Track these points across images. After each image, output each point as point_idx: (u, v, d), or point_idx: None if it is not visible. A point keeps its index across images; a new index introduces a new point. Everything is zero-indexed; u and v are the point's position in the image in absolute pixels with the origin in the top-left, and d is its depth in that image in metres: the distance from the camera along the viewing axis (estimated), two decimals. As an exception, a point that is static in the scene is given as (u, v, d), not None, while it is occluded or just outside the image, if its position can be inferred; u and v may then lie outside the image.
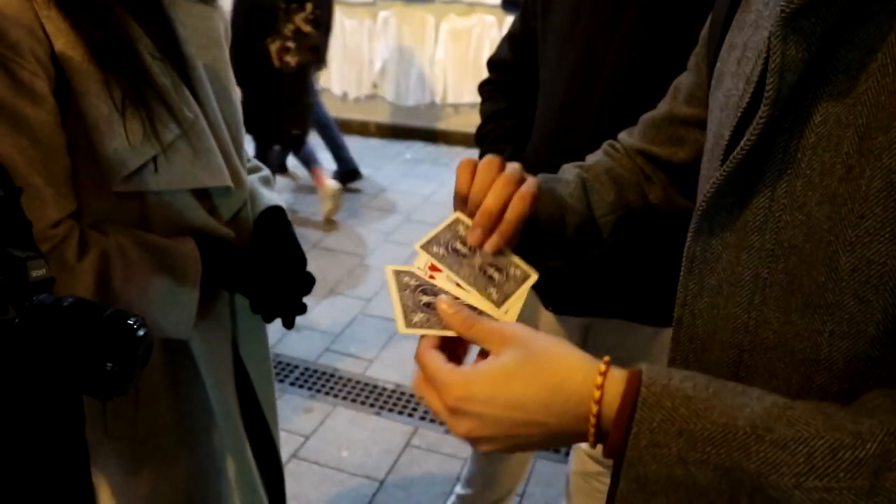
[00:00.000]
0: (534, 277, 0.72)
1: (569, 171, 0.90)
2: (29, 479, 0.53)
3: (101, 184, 0.93)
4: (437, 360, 0.60)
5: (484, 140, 1.56)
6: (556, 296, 1.49)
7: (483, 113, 1.60)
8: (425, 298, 0.67)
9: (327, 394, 2.68)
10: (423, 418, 2.55)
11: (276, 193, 1.24)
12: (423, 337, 0.64)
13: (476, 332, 0.61)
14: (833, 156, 0.53)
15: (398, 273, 0.69)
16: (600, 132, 1.31)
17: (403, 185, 4.81)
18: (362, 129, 5.84)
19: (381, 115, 5.78)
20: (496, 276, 0.71)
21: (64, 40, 0.87)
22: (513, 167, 0.76)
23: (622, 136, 0.96)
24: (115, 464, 1.12)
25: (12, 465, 0.53)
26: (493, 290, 0.69)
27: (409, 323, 0.65)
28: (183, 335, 1.04)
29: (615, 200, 0.87)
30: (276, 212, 1.18)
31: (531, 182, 0.75)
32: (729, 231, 0.61)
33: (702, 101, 0.81)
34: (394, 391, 2.69)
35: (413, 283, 0.68)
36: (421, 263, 0.65)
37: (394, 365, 2.85)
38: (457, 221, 0.73)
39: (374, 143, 5.69)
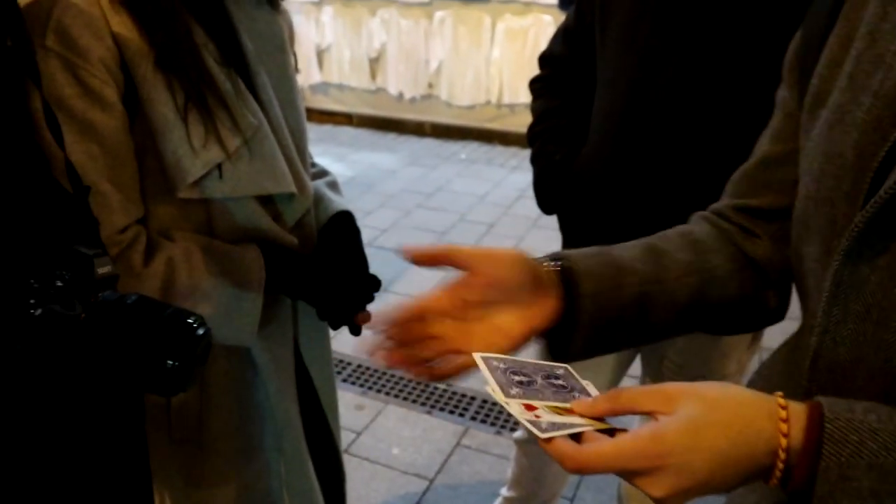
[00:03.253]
0: (567, 366, 0.70)
1: (632, 243, 0.82)
2: (90, 474, 0.54)
3: (167, 190, 0.94)
4: (606, 444, 0.57)
5: (536, 139, 1.54)
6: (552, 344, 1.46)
7: (534, 111, 1.57)
8: (516, 378, 0.67)
9: (379, 391, 2.70)
10: (473, 418, 2.55)
11: (343, 198, 1.23)
12: (550, 442, 0.58)
13: (626, 400, 0.59)
14: None
15: (486, 359, 0.69)
16: (666, 134, 1.29)
17: (458, 185, 4.82)
18: (417, 129, 5.88)
19: (437, 115, 5.80)
20: (562, 382, 0.69)
21: (133, 48, 0.88)
22: None
23: (712, 206, 0.89)
24: (177, 468, 1.13)
25: (74, 458, 0.54)
26: (576, 394, 0.68)
27: (507, 395, 0.64)
28: (246, 342, 1.04)
29: (692, 261, 0.79)
30: (345, 217, 1.18)
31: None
32: (881, 254, 0.58)
33: (791, 135, 0.76)
34: (445, 391, 2.70)
35: (501, 366, 0.68)
36: (516, 410, 0.63)
37: (445, 364, 2.85)
38: (488, 360, 0.70)
39: (429, 142, 5.71)
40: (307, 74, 5.90)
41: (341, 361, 2.86)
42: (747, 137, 1.22)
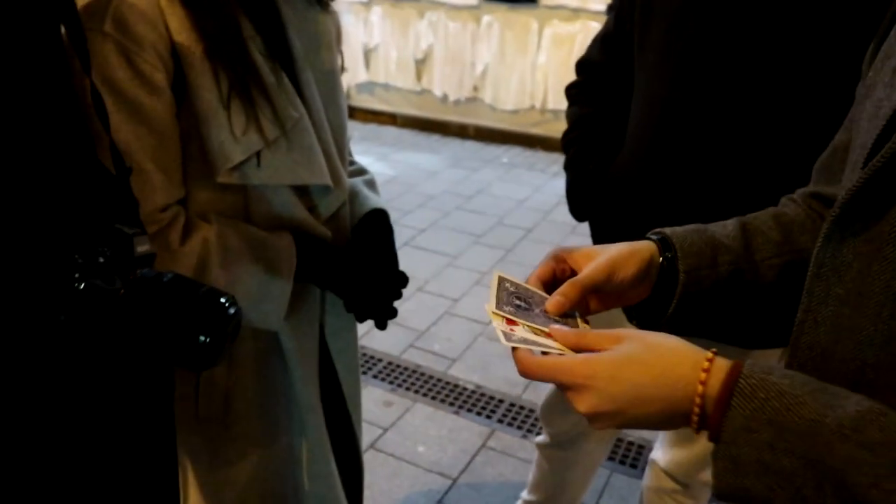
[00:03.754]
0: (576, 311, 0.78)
1: (729, 220, 0.88)
2: (118, 444, 0.57)
3: (207, 175, 0.98)
4: (548, 359, 0.65)
5: (570, 146, 1.54)
6: (640, 308, 1.46)
7: (569, 117, 1.57)
8: (517, 301, 0.75)
9: (408, 389, 2.72)
10: (500, 421, 2.56)
11: (380, 197, 1.26)
12: (515, 350, 0.67)
13: (590, 339, 0.66)
14: None
15: (502, 280, 0.77)
16: (701, 143, 1.28)
17: (498, 189, 4.82)
18: (461, 132, 5.90)
19: (480, 118, 5.81)
20: (558, 316, 0.76)
21: (184, 36, 0.93)
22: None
23: (801, 189, 0.92)
24: (201, 446, 1.16)
25: (105, 427, 0.57)
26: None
27: (498, 307, 0.72)
28: (273, 326, 1.08)
29: (781, 242, 0.84)
30: (379, 215, 1.21)
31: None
32: (862, 240, 0.60)
33: None
34: (473, 392, 2.71)
35: (511, 289, 0.76)
36: (498, 322, 0.70)
37: (476, 366, 2.87)
38: (502, 281, 0.77)
39: (472, 145, 5.73)
40: (353, 73, 5.97)
41: (372, 358, 2.89)
42: (783, 145, 1.22)
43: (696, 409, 0.59)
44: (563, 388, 0.63)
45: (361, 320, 1.15)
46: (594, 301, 0.80)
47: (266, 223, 1.04)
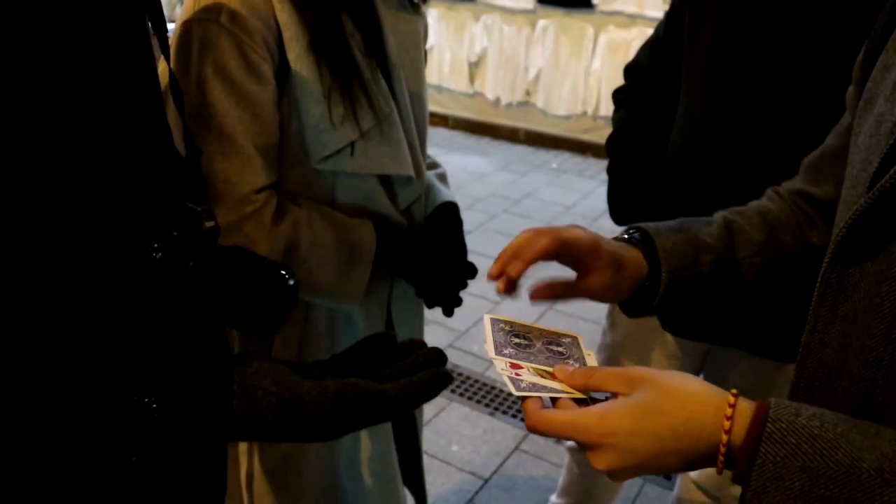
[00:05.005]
0: (578, 336, 0.77)
1: (716, 214, 0.90)
2: (180, 412, 0.60)
3: (301, 161, 1.04)
4: (559, 414, 0.62)
5: (613, 150, 1.55)
6: (674, 317, 1.46)
7: (614, 122, 1.58)
8: (515, 340, 0.74)
9: (445, 388, 2.74)
10: (535, 425, 2.56)
11: (451, 190, 1.32)
12: (525, 401, 0.65)
13: (598, 380, 0.64)
14: None
15: (495, 321, 0.77)
16: (745, 152, 1.28)
17: (546, 194, 4.81)
18: (511, 136, 5.90)
19: (532, 123, 5.81)
20: (561, 349, 0.75)
21: (292, 31, 0.99)
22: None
23: (785, 182, 0.94)
24: None
25: (170, 392, 0.60)
26: (571, 362, 0.73)
27: (496, 352, 0.71)
28: (349, 308, 1.13)
29: (763, 242, 0.85)
30: (450, 207, 1.26)
31: (569, 228, 0.79)
32: (870, 259, 0.59)
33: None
34: (510, 394, 2.72)
35: (507, 329, 0.76)
36: (500, 366, 0.69)
37: (513, 369, 2.87)
38: (495, 322, 0.77)
39: (522, 149, 5.72)
40: (408, 74, 6.02)
41: (411, 355, 2.92)
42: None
43: (722, 458, 0.57)
44: (581, 446, 0.61)
45: (431, 306, 1.20)
46: (561, 287, 0.81)
47: (350, 209, 1.10)
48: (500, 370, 0.68)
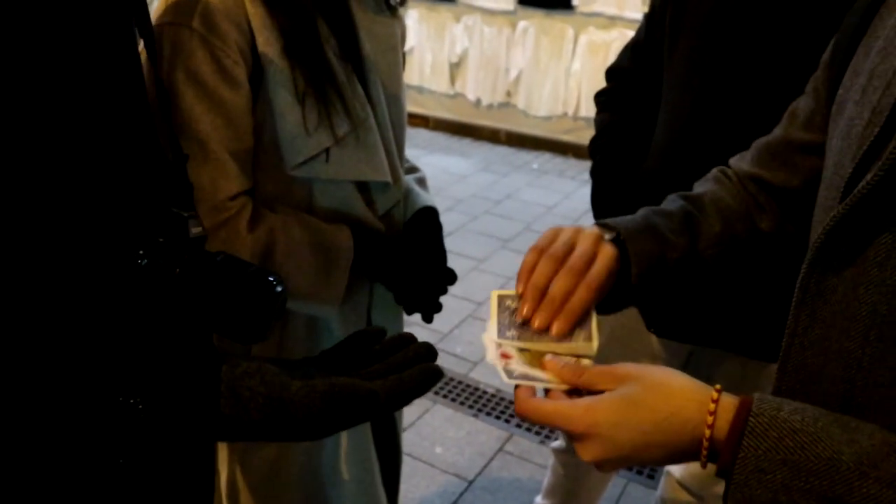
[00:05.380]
0: (592, 350, 0.73)
1: (673, 202, 0.90)
2: (164, 416, 0.59)
3: (276, 167, 1.02)
4: (548, 403, 0.64)
5: (596, 153, 1.55)
6: (659, 318, 1.47)
7: (597, 124, 1.59)
8: (520, 319, 0.72)
9: (428, 390, 2.74)
10: (519, 425, 2.56)
11: (430, 195, 1.31)
12: (517, 388, 0.66)
13: (588, 378, 0.64)
14: None
15: (502, 298, 0.75)
16: (721, 155, 1.29)
17: (527, 195, 4.82)
18: (492, 137, 5.91)
19: (513, 124, 5.82)
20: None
21: (265, 35, 0.97)
22: (580, 253, 0.76)
23: (734, 160, 0.95)
24: None
25: (155, 397, 0.59)
26: (571, 342, 0.72)
27: (500, 335, 0.70)
28: (328, 314, 1.12)
29: (721, 232, 0.86)
30: (430, 212, 1.25)
31: (598, 270, 0.76)
32: (847, 264, 0.60)
33: (821, 127, 0.80)
34: (493, 395, 2.72)
35: (513, 305, 0.74)
36: (492, 354, 0.69)
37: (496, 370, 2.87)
38: (502, 300, 0.75)
39: (503, 150, 5.73)
40: (388, 75, 6.01)
41: (394, 357, 2.91)
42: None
43: (705, 452, 0.58)
44: (567, 436, 0.62)
45: (410, 313, 1.19)
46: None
47: (327, 215, 1.08)
48: (492, 359, 0.68)
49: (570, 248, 0.77)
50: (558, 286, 0.74)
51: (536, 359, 0.69)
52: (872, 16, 0.69)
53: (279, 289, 0.71)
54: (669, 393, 0.60)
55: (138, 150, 0.64)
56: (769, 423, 0.55)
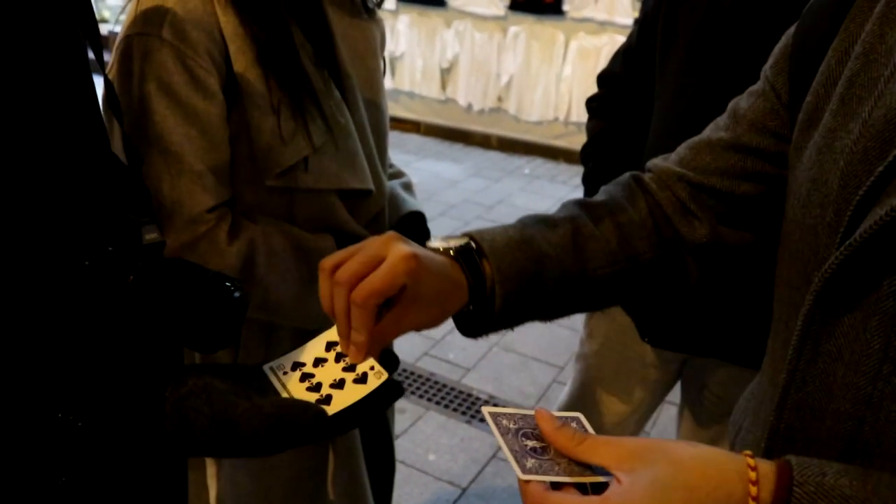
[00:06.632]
0: (580, 415, 0.68)
1: (568, 210, 0.81)
2: (130, 434, 0.58)
3: (255, 178, 1.00)
4: (569, 498, 0.56)
5: (588, 159, 1.55)
6: (652, 328, 1.46)
7: (589, 130, 1.58)
8: (529, 443, 0.65)
9: (421, 397, 2.73)
10: (512, 432, 2.55)
11: (417, 200, 1.29)
12: (528, 483, 0.58)
13: (586, 449, 0.58)
14: None
15: (495, 416, 0.68)
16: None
17: (519, 200, 4.83)
18: (484, 142, 5.91)
19: (504, 129, 5.83)
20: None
21: (238, 44, 0.95)
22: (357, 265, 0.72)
23: (656, 162, 0.86)
24: None
25: (118, 408, 0.58)
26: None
27: (524, 470, 0.62)
28: (313, 325, 1.09)
29: (616, 251, 0.78)
30: (416, 217, 1.23)
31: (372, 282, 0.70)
32: (858, 296, 0.56)
33: (775, 133, 0.75)
34: (486, 402, 2.71)
35: (512, 426, 0.68)
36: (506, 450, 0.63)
37: (489, 376, 2.87)
38: (497, 419, 0.69)
39: (494, 155, 5.74)
40: (379, 81, 6.01)
41: (387, 364, 2.90)
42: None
43: None
44: None
45: None
46: (389, 320, 0.72)
47: (309, 225, 1.06)
48: (505, 452, 0.62)
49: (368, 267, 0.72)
50: (339, 307, 0.71)
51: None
52: (841, 19, 0.65)
53: (237, 294, 0.69)
54: (704, 467, 0.53)
55: (86, 155, 0.63)
56: (816, 492, 0.50)
